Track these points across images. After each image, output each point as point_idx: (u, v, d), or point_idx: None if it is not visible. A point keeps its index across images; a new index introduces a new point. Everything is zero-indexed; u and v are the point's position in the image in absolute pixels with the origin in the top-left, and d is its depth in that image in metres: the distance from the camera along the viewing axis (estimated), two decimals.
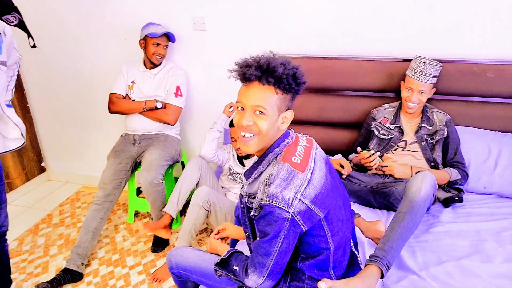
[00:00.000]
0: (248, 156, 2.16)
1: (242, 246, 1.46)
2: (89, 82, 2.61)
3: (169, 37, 2.20)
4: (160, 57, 2.20)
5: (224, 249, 1.27)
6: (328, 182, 1.06)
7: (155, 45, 2.15)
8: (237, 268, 1.11)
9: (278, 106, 1.04)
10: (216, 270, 1.19)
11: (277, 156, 1.08)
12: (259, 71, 1.01)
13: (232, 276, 1.14)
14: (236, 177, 2.17)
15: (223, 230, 1.42)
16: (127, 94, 2.27)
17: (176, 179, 2.60)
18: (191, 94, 2.42)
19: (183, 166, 2.59)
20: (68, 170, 2.99)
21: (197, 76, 2.39)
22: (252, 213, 1.06)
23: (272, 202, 0.96)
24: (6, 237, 1.60)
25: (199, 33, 2.27)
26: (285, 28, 2.13)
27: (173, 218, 2.00)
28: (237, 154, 2.19)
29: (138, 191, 2.46)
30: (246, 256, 1.16)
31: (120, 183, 2.15)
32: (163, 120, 2.20)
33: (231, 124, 2.09)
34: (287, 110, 1.07)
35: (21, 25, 1.33)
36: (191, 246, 2.15)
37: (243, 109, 1.06)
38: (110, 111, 2.24)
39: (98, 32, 2.45)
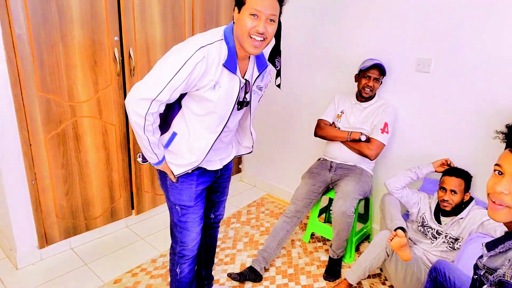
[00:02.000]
0: (448, 214, 1.96)
1: None
2: (300, 104, 2.86)
3: (380, 69, 2.20)
4: (369, 89, 2.22)
5: None
6: None
7: (366, 78, 2.21)
8: None
9: None
10: None
11: None
12: None
13: None
14: (428, 232, 2.00)
15: None
16: (333, 122, 2.39)
17: (361, 215, 2.59)
18: (394, 133, 2.36)
19: (366, 203, 2.55)
20: (257, 176, 3.35)
21: (405, 117, 2.32)
22: (485, 287, 0.96)
23: None
24: (219, 223, 1.90)
25: (420, 74, 2.19)
26: None
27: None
28: (435, 207, 2.02)
29: (319, 214, 2.55)
30: None
31: (310, 203, 2.27)
32: (364, 153, 2.21)
33: (446, 172, 1.97)
34: None
35: (279, 69, 1.54)
36: (360, 283, 2.11)
37: (502, 174, 0.96)
38: (316, 135, 2.38)
39: (320, 60, 2.66)
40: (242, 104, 1.45)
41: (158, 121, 1.32)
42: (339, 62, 2.56)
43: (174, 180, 1.48)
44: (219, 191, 1.72)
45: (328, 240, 2.53)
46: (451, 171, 1.97)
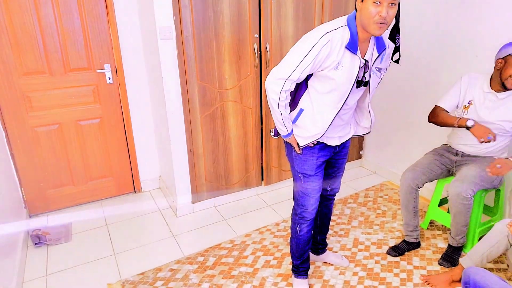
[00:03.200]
0: None
1: None
2: (427, 91, 2.82)
3: None
4: None
5: None
6: None
7: None
8: None
9: None
10: None
11: None
12: None
13: None
14: None
15: None
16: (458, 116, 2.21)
17: (491, 208, 2.46)
18: None
19: (497, 194, 2.40)
20: (378, 163, 3.42)
21: None
22: None
23: None
24: (335, 197, 2.13)
25: None
26: None
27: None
28: None
29: (441, 203, 2.52)
30: None
31: (430, 172, 2.22)
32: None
33: None
34: None
35: (398, 46, 1.66)
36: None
37: None
38: (429, 120, 2.27)
39: (449, 42, 2.58)
40: (361, 83, 1.65)
41: (289, 98, 1.63)
42: (472, 45, 2.45)
43: (299, 152, 1.77)
44: (336, 166, 1.95)
45: (449, 229, 2.48)
46: None
